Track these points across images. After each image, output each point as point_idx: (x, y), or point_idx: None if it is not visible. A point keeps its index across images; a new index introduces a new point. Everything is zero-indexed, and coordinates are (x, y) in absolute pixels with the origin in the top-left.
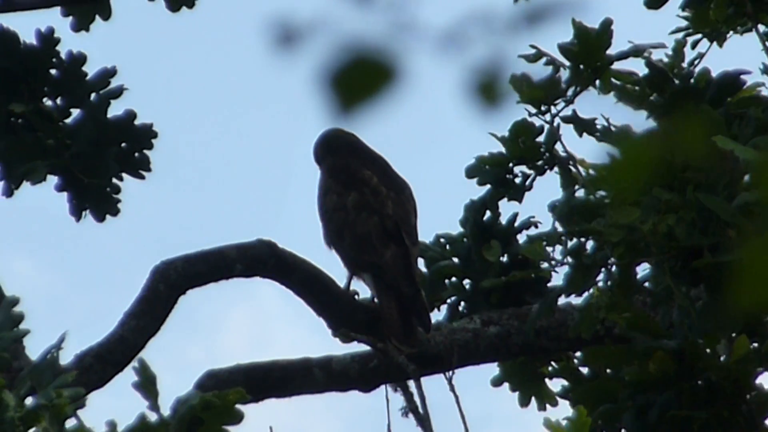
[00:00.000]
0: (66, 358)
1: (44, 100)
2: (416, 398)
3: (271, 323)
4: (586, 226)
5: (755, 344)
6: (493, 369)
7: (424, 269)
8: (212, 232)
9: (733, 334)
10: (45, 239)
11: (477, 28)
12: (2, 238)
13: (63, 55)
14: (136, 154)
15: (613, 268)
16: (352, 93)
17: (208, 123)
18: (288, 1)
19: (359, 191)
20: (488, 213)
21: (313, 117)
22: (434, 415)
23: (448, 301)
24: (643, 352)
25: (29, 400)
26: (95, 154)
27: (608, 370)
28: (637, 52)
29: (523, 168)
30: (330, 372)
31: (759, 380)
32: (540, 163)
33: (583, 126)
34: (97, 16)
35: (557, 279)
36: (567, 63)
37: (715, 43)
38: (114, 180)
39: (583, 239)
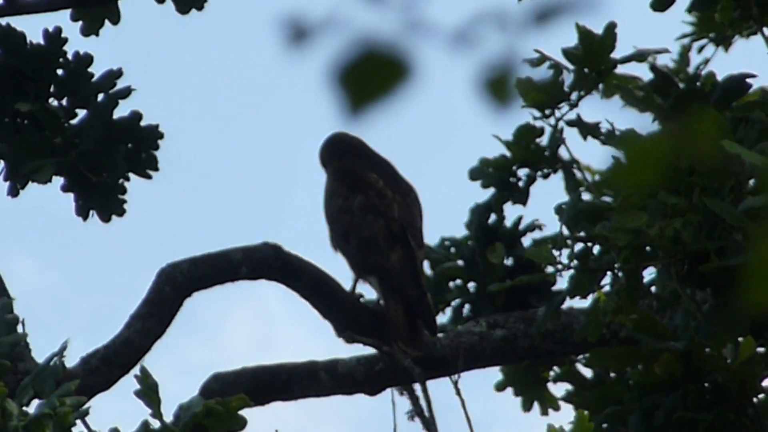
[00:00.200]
0: (71, 360)
1: (50, 99)
2: (422, 401)
3: (274, 324)
4: (593, 230)
5: (761, 347)
6: (498, 372)
7: (428, 271)
8: (218, 234)
9: (740, 338)
10: (50, 239)
11: (488, 26)
12: (7, 238)
13: (70, 56)
14: (143, 154)
15: (620, 273)
16: (363, 90)
17: (214, 124)
18: None
19: (365, 194)
20: (493, 216)
21: (322, 117)
22: (440, 418)
23: (453, 303)
24: (650, 353)
25: (32, 407)
26: (102, 153)
27: (612, 374)
28: (641, 56)
29: (527, 171)
30: (336, 375)
31: (765, 383)
32: (544, 166)
33: (587, 129)
34: (106, 21)
35: (562, 282)
36: (571, 66)
37: (720, 47)
38: (120, 180)
39: (589, 243)
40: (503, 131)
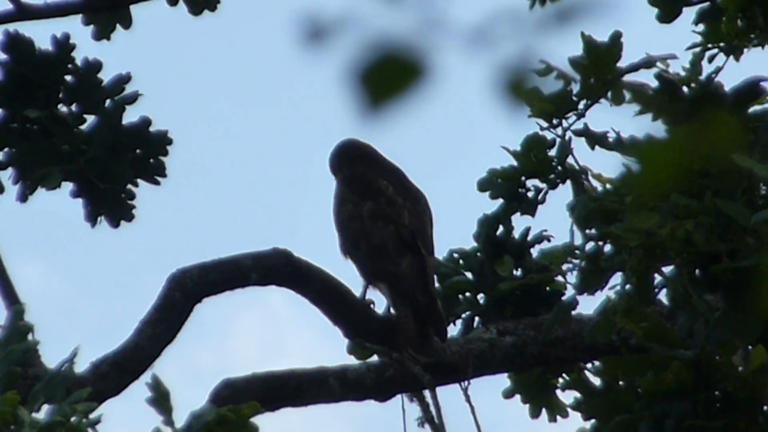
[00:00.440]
0: (81, 365)
1: (59, 106)
2: (432, 408)
3: (282, 329)
4: (605, 229)
5: None
6: (507, 379)
7: (437, 285)
8: (227, 240)
9: (750, 345)
10: (59, 245)
11: (506, 26)
12: (17, 243)
13: (78, 62)
14: (151, 160)
15: (631, 273)
16: (380, 91)
17: (224, 130)
18: None
19: (375, 200)
20: (501, 227)
21: (334, 122)
22: (450, 425)
23: (463, 316)
24: (660, 362)
25: (42, 413)
26: (110, 159)
27: (621, 382)
28: (647, 64)
29: (536, 182)
30: (346, 381)
31: None
32: (552, 176)
33: (595, 139)
34: (117, 25)
35: (571, 290)
36: (577, 76)
37: (732, 56)
38: (129, 186)
39: (600, 243)
40: (518, 136)
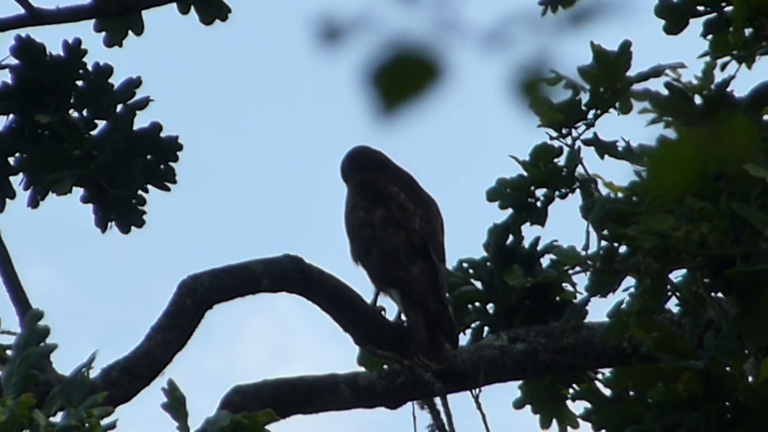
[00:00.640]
0: (91, 371)
1: (70, 111)
2: (443, 416)
3: (290, 333)
4: (620, 231)
5: None
6: (519, 386)
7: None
8: (238, 246)
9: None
10: (69, 250)
11: (521, 27)
12: (27, 249)
13: (90, 67)
14: (162, 166)
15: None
16: (395, 91)
17: (234, 136)
18: None
19: (386, 207)
20: (511, 237)
21: (345, 127)
22: None
23: (472, 326)
24: (671, 372)
25: (58, 418)
26: (121, 165)
27: (631, 392)
28: (656, 73)
29: (545, 191)
30: (357, 388)
31: None
32: (562, 186)
33: (604, 148)
34: (129, 31)
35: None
36: (587, 85)
37: (744, 64)
38: (139, 192)
39: (615, 245)
40: (529, 143)
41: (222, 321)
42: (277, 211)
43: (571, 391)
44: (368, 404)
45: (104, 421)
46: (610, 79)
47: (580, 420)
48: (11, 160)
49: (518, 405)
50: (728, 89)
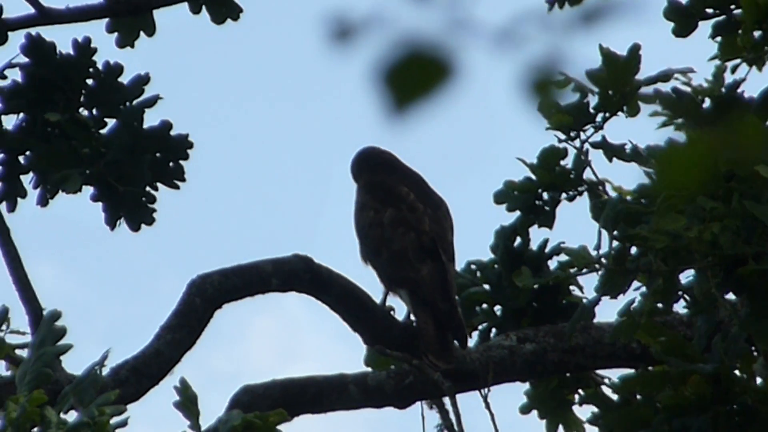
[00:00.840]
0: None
1: (80, 109)
2: (451, 415)
3: (298, 332)
4: (631, 231)
5: None
6: (528, 385)
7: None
8: (248, 245)
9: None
10: (79, 248)
11: (533, 26)
12: (35, 247)
13: (100, 66)
14: (171, 164)
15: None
16: (407, 90)
17: (245, 135)
18: None
19: (396, 207)
20: (519, 239)
21: (355, 127)
22: None
23: (480, 327)
24: (678, 376)
25: (70, 416)
26: (130, 162)
27: (639, 396)
28: (665, 76)
29: (553, 193)
30: (365, 388)
31: None
32: (569, 188)
33: (613, 151)
34: (141, 32)
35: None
36: (595, 89)
37: (754, 67)
38: (149, 189)
39: (626, 244)
40: (538, 145)
41: (230, 320)
42: (286, 211)
43: (577, 396)
44: (377, 404)
45: (115, 419)
46: (618, 82)
47: (587, 425)
48: (22, 159)
49: (524, 410)
50: (739, 91)
